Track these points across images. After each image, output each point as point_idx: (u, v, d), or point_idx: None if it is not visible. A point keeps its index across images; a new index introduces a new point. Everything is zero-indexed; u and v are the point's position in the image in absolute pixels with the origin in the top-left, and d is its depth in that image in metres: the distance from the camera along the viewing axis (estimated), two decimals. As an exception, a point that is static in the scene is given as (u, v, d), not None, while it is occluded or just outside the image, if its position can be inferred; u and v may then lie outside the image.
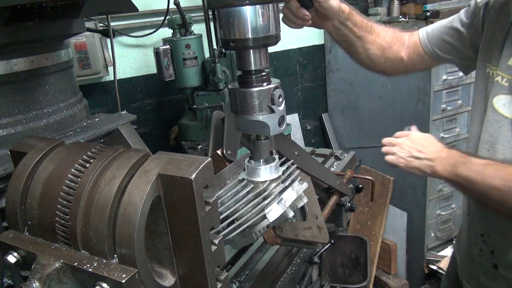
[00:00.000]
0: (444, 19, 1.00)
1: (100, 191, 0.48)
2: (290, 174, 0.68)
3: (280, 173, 0.66)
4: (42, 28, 0.87)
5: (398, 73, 1.07)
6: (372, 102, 2.29)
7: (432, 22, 1.92)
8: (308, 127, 2.74)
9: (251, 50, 0.58)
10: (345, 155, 1.28)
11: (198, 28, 1.97)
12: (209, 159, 0.47)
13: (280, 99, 0.61)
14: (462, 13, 0.94)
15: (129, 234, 0.46)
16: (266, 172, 0.64)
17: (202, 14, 1.92)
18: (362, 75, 2.37)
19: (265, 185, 0.63)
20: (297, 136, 2.60)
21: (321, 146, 2.58)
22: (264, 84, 0.60)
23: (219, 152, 0.83)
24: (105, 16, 1.70)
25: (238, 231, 0.60)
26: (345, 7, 0.90)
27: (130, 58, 2.04)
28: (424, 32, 1.01)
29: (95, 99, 1.93)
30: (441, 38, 0.96)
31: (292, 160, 0.74)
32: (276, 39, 0.59)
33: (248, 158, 0.67)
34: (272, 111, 0.60)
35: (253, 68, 0.59)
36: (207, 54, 1.90)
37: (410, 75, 2.17)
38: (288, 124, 1.82)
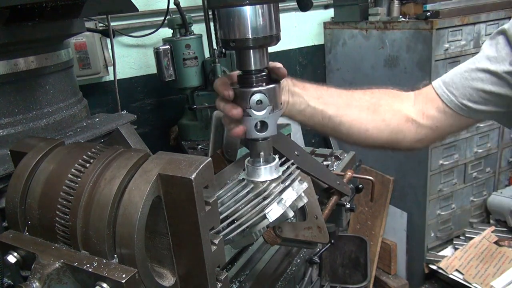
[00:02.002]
0: (461, 64, 0.76)
1: (100, 191, 0.48)
2: (290, 174, 0.68)
3: (280, 173, 0.66)
4: (42, 28, 0.87)
5: (411, 142, 0.80)
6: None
7: (432, 23, 1.94)
8: (308, 127, 2.74)
9: (251, 50, 0.58)
10: (345, 155, 1.28)
11: (198, 28, 1.97)
12: (209, 159, 0.47)
13: (260, 104, 0.60)
14: (488, 50, 0.72)
15: (129, 234, 0.46)
16: (266, 172, 0.64)
17: (202, 14, 1.92)
18: (362, 75, 2.37)
19: (265, 185, 0.63)
20: (297, 136, 2.59)
21: (321, 146, 2.58)
22: (264, 84, 0.60)
23: (219, 152, 0.83)
24: (105, 16, 1.70)
25: (238, 231, 0.60)
26: (286, 81, 0.72)
27: (130, 58, 2.04)
28: (440, 82, 0.77)
29: (95, 99, 1.93)
30: (470, 86, 0.73)
31: (292, 160, 0.73)
32: (276, 39, 0.59)
33: (248, 158, 0.67)
34: (248, 114, 0.60)
35: (253, 68, 0.59)
36: (207, 54, 1.90)
37: (409, 81, 2.17)
38: (287, 124, 1.82)
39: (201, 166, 0.46)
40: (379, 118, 0.78)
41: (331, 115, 0.76)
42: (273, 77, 0.63)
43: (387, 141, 0.80)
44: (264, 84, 0.60)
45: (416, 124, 0.79)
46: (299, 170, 0.71)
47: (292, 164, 0.71)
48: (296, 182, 0.66)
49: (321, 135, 0.84)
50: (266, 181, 0.64)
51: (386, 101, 0.80)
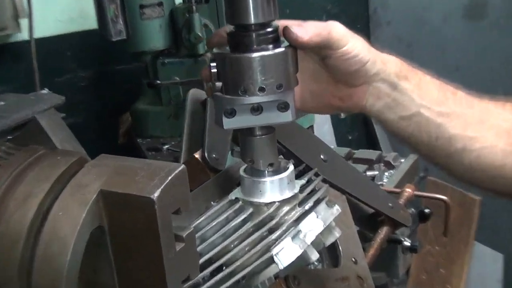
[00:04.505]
0: None
1: (8, 218, 0.48)
2: (313, 191, 0.68)
3: (297, 190, 0.67)
4: None
5: None
6: (444, 75, 2.30)
7: None
8: (342, 115, 2.74)
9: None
10: (402, 160, 1.29)
11: (164, -43, 1.97)
12: (182, 166, 0.48)
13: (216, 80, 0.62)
14: None
15: (54, 288, 0.46)
16: (274, 188, 0.65)
17: None
18: (427, 32, 2.37)
19: (272, 209, 0.64)
20: (324, 129, 2.60)
21: (363, 145, 2.59)
22: (270, 46, 0.61)
23: (197, 155, 0.83)
24: None
25: (229, 283, 0.60)
26: (388, 59, 0.74)
27: (56, 5, 2.04)
28: None
29: (-1, 71, 1.94)
30: None
31: (316, 169, 0.74)
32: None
33: (244, 166, 0.68)
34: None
35: (252, 21, 0.60)
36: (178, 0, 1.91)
37: (500, 43, 2.15)
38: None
39: (169, 178, 0.46)
40: None
41: (453, 134, 0.75)
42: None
43: None
44: (270, 46, 0.61)
45: None
46: (327, 185, 0.72)
47: (316, 175, 0.72)
48: (323, 205, 0.66)
49: (405, 136, 0.80)
50: (274, 202, 0.64)
51: None
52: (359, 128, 2.80)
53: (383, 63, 0.72)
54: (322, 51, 0.68)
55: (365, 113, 0.76)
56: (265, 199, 0.65)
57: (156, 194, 0.45)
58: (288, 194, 0.65)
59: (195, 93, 0.94)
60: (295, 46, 0.63)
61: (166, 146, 1.83)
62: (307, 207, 0.66)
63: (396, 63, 0.74)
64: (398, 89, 0.73)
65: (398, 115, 0.74)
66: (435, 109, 0.74)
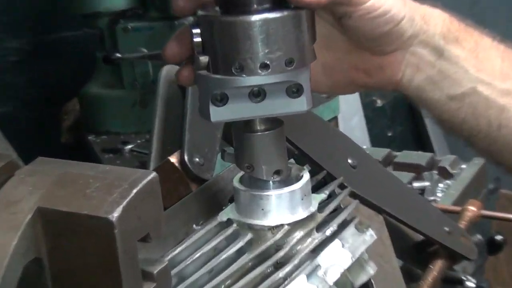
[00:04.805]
0: None
1: None
2: (337, 210, 0.69)
3: (315, 208, 0.67)
4: None
5: None
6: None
7: None
8: (379, 103, 2.75)
9: None
10: (463, 166, 1.29)
11: None
12: (152, 174, 0.48)
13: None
14: None
15: None
16: (282, 206, 0.65)
17: None
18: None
19: (279, 235, 0.64)
20: (353, 122, 2.61)
21: (408, 145, 2.59)
22: (277, 6, 0.60)
23: (173, 159, 0.84)
24: None
25: None
26: (432, 13, 0.75)
27: None
28: None
29: None
30: None
31: (342, 178, 0.74)
32: None
33: (240, 175, 0.68)
34: None
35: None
36: None
37: None
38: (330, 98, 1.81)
39: (134, 191, 0.46)
40: None
41: None
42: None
43: None
44: (276, 6, 0.61)
45: None
46: (357, 201, 0.73)
47: (342, 187, 0.72)
48: (351, 230, 0.67)
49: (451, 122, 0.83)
50: (282, 225, 0.64)
51: None
52: (402, 121, 2.80)
53: (424, 20, 0.72)
54: (339, 9, 0.67)
55: (402, 91, 0.76)
56: (269, 221, 0.65)
57: (115, 214, 0.45)
58: (302, 213, 0.65)
59: (171, 71, 0.93)
60: (301, 7, 0.61)
61: (129, 146, 1.84)
62: (328, 232, 0.66)
63: (443, 19, 0.74)
64: (445, 56, 0.73)
65: (446, 94, 0.75)
66: (497, 85, 0.75)
